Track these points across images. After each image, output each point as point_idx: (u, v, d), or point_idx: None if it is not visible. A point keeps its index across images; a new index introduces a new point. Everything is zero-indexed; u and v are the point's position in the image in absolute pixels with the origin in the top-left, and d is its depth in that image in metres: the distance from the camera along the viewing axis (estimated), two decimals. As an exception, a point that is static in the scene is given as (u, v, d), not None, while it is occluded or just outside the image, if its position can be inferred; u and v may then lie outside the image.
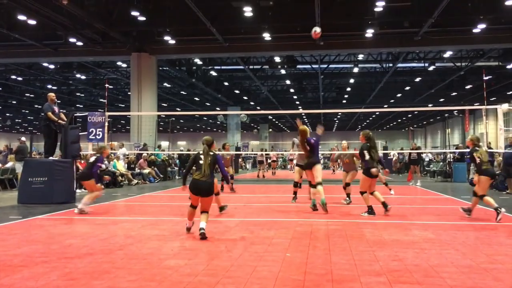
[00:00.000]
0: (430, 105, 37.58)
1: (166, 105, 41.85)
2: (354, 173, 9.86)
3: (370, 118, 55.57)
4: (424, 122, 63.09)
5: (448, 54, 25.25)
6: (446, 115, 50.79)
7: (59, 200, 9.58)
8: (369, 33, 19.52)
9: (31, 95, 38.78)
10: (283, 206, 9.45)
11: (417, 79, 31.99)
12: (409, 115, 52.53)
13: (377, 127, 64.84)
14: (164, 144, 32.14)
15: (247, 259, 4.62)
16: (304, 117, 50.22)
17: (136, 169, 17.69)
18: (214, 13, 17.98)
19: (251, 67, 28.25)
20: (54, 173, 9.75)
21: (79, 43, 21.14)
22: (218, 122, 49.14)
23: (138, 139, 21.78)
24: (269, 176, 23.87)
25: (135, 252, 4.92)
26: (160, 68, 27.05)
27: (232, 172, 9.96)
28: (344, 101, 40.67)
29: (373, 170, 7.74)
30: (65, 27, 19.46)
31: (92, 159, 8.69)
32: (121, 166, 16.25)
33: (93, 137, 11.80)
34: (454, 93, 35.97)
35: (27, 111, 48.27)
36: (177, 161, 22.70)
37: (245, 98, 39.75)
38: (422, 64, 28.76)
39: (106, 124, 11.86)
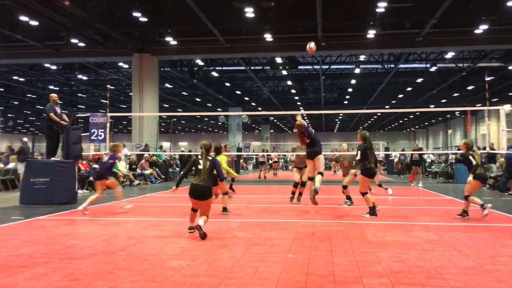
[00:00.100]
0: (432, 106, 37.53)
1: (167, 106, 41.89)
2: (353, 177, 9.79)
3: (372, 119, 55.51)
4: (426, 123, 63.01)
5: (450, 55, 25.21)
6: (448, 116, 50.81)
7: (61, 200, 9.61)
8: (371, 34, 19.50)
9: (33, 96, 38.84)
10: (284, 207, 9.44)
11: (419, 80, 31.94)
12: (411, 116, 52.47)
13: (378, 128, 64.77)
14: (166, 145, 32.22)
15: (249, 260, 4.62)
16: (306, 117, 50.17)
17: (138, 170, 17.70)
18: (215, 14, 17.98)
19: (252, 68, 28.25)
20: (56, 174, 9.76)
21: (81, 44, 21.16)
22: (220, 123, 49.18)
23: (139, 139, 21.80)
24: (271, 177, 23.88)
25: (137, 253, 4.92)
26: (162, 69, 27.07)
27: (234, 175, 10.04)
28: (346, 102, 40.62)
29: (352, 171, 7.93)
30: (67, 28, 19.49)
31: (105, 158, 8.83)
32: (122, 167, 16.25)
33: (95, 138, 11.83)
34: (456, 94, 35.92)
35: (29, 112, 48.36)
36: (178, 161, 22.70)
37: (247, 99, 39.74)
38: (424, 65, 28.71)
39: (108, 125, 11.88)
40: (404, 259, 4.64)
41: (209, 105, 43.28)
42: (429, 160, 25.60)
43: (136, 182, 16.35)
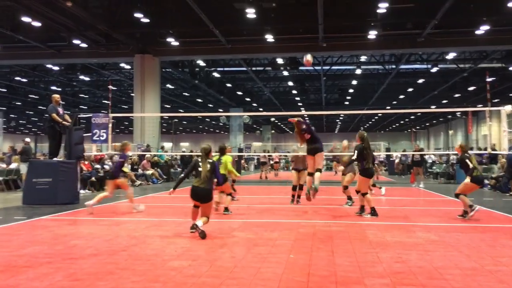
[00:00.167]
0: (433, 107, 37.51)
1: (169, 106, 41.93)
2: (352, 176, 9.77)
3: (373, 120, 55.48)
4: (427, 124, 62.94)
5: (451, 55, 25.18)
6: (449, 116, 50.74)
7: (64, 201, 9.64)
8: (372, 34, 19.50)
9: (35, 97, 38.90)
10: (285, 207, 9.45)
11: (420, 81, 31.91)
12: (412, 117, 52.40)
13: (379, 128, 64.71)
14: (167, 145, 32.25)
15: (250, 260, 4.63)
16: (307, 118, 50.15)
17: (139, 170, 17.72)
18: (216, 15, 17.99)
19: (253, 68, 28.25)
20: (59, 174, 9.79)
21: (83, 45, 21.21)
22: (221, 124, 49.19)
23: (141, 140, 21.84)
24: (272, 178, 23.88)
25: (139, 253, 4.94)
26: (163, 70, 27.10)
27: (237, 177, 10.09)
28: (347, 103, 40.61)
29: (340, 168, 8.10)
30: (69, 29, 19.54)
31: (116, 158, 8.88)
32: (125, 167, 16.26)
33: (97, 138, 11.87)
34: (457, 95, 35.88)
35: (31, 113, 48.41)
36: (180, 162, 22.73)
37: (248, 99, 39.75)
38: (425, 66, 28.70)
39: (110, 125, 11.91)
40: (405, 259, 4.65)
41: (211, 105, 43.32)
42: (430, 161, 25.60)
43: (138, 182, 16.37)
